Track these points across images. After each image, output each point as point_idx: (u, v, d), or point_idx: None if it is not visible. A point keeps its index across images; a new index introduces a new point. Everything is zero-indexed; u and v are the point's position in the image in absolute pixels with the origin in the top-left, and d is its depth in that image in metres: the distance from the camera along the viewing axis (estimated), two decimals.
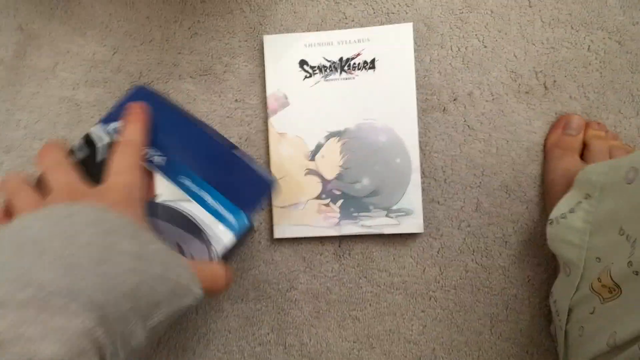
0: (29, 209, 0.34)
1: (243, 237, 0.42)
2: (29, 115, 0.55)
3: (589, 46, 0.52)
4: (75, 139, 0.53)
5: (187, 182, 0.41)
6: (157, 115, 0.43)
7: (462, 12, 0.53)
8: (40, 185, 0.37)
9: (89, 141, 0.43)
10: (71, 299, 0.25)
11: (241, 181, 0.42)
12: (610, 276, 0.37)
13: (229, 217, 0.41)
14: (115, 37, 0.54)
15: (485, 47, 0.52)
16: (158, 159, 0.41)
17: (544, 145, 0.52)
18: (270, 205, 0.53)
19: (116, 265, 0.28)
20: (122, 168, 0.37)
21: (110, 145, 0.41)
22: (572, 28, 0.52)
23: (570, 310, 0.44)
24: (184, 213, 0.40)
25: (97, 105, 0.54)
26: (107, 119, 0.43)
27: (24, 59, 0.55)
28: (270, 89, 0.53)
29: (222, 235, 0.40)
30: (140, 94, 0.44)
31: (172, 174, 0.41)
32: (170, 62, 0.54)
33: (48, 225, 0.29)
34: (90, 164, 0.41)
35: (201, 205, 0.40)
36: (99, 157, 0.41)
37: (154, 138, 0.42)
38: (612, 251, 0.39)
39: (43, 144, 0.40)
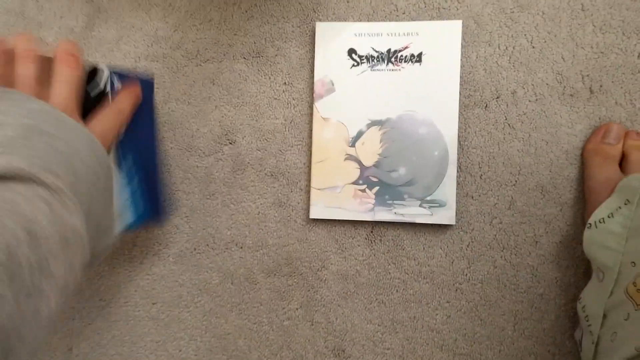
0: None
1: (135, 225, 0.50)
2: None
3: (639, 53, 0.53)
4: None
5: (129, 162, 0.49)
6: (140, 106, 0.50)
7: (513, 12, 0.55)
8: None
9: (92, 72, 0.47)
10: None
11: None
12: None
13: (140, 205, 0.50)
14: (177, 15, 0.60)
15: (534, 47, 0.55)
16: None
17: (582, 151, 0.54)
18: (308, 186, 0.58)
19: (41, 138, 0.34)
20: (100, 123, 0.44)
21: (103, 93, 0.47)
22: (623, 34, 0.53)
23: (603, 316, 0.45)
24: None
25: (155, 80, 0.60)
26: (115, 72, 0.48)
27: (92, 30, 0.61)
28: (318, 75, 0.57)
29: (123, 212, 0.48)
30: (147, 83, 0.51)
31: (122, 149, 0.48)
32: (225, 43, 0.59)
33: (11, 106, 0.35)
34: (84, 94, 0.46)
35: (127, 179, 0.49)
36: (92, 93, 0.47)
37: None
38: None
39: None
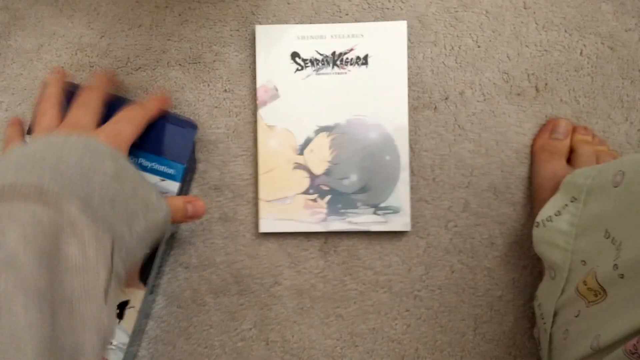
0: (42, 132, 0.43)
1: (185, 177, 0.51)
2: (11, 97, 0.56)
3: (582, 50, 0.54)
4: None
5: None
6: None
7: (457, 11, 0.55)
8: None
9: None
10: (59, 195, 0.32)
11: (169, 135, 0.50)
12: (596, 279, 0.39)
13: (167, 169, 0.49)
14: (104, 20, 0.56)
15: (479, 47, 0.55)
16: None
17: (531, 148, 0.54)
18: (256, 198, 0.55)
19: (97, 178, 0.36)
20: (122, 118, 0.46)
21: None
22: (565, 32, 0.54)
23: (555, 313, 0.45)
24: None
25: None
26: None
27: (8, 40, 0.56)
28: (260, 81, 0.55)
29: (168, 187, 0.49)
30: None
31: None
32: (159, 49, 0.56)
33: (47, 148, 0.36)
34: None
35: (140, 169, 0.48)
36: None
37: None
38: (597, 254, 0.41)
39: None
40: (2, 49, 0.56)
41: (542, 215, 0.48)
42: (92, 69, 0.55)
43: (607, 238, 0.40)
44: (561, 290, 0.45)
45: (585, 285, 0.40)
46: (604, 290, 0.38)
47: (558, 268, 0.46)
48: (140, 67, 0.56)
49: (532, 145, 0.54)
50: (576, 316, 0.42)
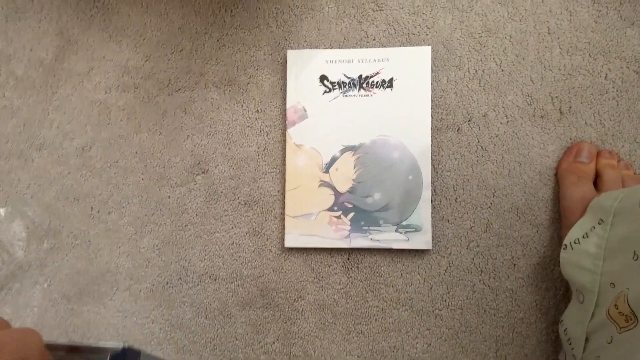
0: None
1: None
2: (62, 116, 0.63)
3: (606, 74, 0.56)
4: (103, 141, 0.61)
5: None
6: None
7: (481, 36, 0.58)
8: None
9: None
10: None
11: None
12: (628, 302, 0.39)
13: None
14: (149, 45, 0.62)
15: (502, 70, 0.58)
16: None
17: (556, 171, 0.56)
18: (283, 214, 0.59)
19: None
20: None
21: None
22: (589, 56, 0.57)
23: (586, 339, 0.45)
24: None
25: (126, 109, 0.62)
26: None
27: (62, 62, 0.63)
28: (290, 102, 0.59)
29: None
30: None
31: None
32: (197, 72, 0.62)
33: None
34: None
35: None
36: None
37: None
38: (626, 276, 0.41)
39: None
40: (56, 71, 0.63)
41: (569, 238, 0.50)
42: (136, 90, 0.62)
43: (635, 260, 0.40)
44: (591, 314, 0.45)
45: (617, 308, 0.41)
46: (635, 316, 0.38)
47: (587, 291, 0.46)
48: (180, 89, 0.61)
49: (557, 168, 0.56)
50: (609, 342, 0.42)
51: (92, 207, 0.61)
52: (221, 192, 0.60)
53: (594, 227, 0.47)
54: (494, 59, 0.58)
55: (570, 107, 0.56)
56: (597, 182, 0.54)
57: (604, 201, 0.48)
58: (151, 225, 0.61)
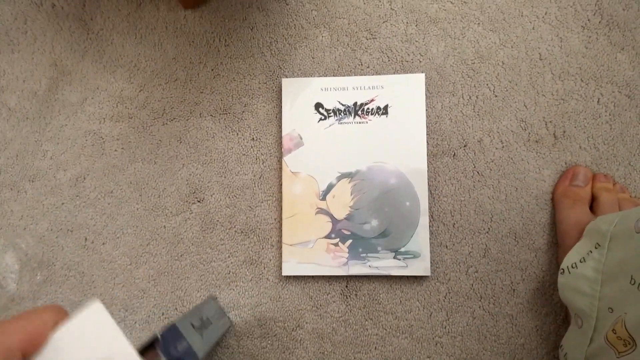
0: None
1: None
2: (56, 146, 0.63)
3: (599, 99, 0.58)
4: (97, 171, 0.62)
5: None
6: None
7: (474, 63, 0.60)
8: None
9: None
10: None
11: None
12: (625, 327, 0.39)
13: None
14: (143, 75, 0.63)
15: (496, 96, 0.59)
16: None
17: (552, 195, 0.57)
18: (280, 242, 0.59)
19: None
20: None
21: None
22: (582, 81, 0.58)
23: None
24: None
25: (120, 139, 0.62)
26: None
27: (56, 93, 0.64)
28: (285, 129, 0.60)
29: None
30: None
31: None
32: (192, 101, 0.62)
33: None
34: None
35: None
36: None
37: None
38: (624, 301, 0.41)
39: None
40: (50, 102, 0.63)
41: (566, 262, 0.50)
42: (130, 120, 0.62)
43: (633, 284, 0.40)
44: (589, 339, 0.45)
45: (615, 333, 0.41)
46: (634, 340, 0.38)
47: (585, 316, 0.46)
48: (175, 118, 0.62)
49: (553, 193, 0.57)
50: None
51: (86, 238, 0.62)
52: (217, 220, 0.60)
53: (590, 252, 0.48)
54: (487, 85, 0.59)
55: (564, 132, 0.58)
56: (593, 205, 0.55)
57: (600, 225, 0.48)
58: (146, 256, 0.61)
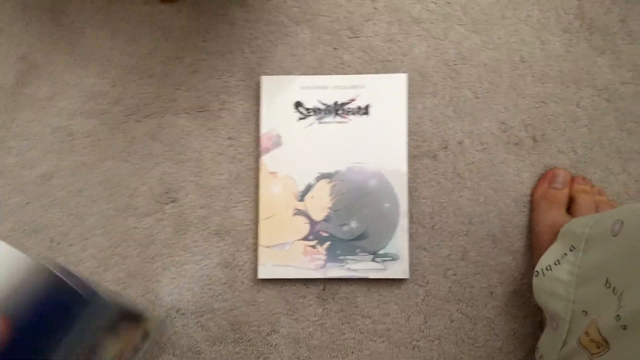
0: None
1: None
2: (22, 142, 0.60)
3: (578, 102, 0.58)
4: (66, 169, 0.59)
5: None
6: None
7: (456, 64, 0.59)
8: None
9: None
10: None
11: None
12: (599, 330, 0.39)
13: None
14: (116, 70, 0.61)
15: (477, 98, 0.59)
16: None
17: (531, 197, 0.57)
18: (256, 244, 0.58)
19: None
20: None
21: None
22: (562, 84, 0.58)
23: None
24: None
25: (90, 137, 0.60)
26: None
27: (24, 87, 0.61)
28: (264, 129, 0.59)
29: None
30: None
31: None
32: (167, 97, 0.61)
33: None
34: None
35: None
36: None
37: None
38: (598, 304, 0.41)
39: None
40: (17, 97, 0.61)
41: (541, 265, 0.50)
42: (102, 116, 0.60)
43: (607, 287, 0.40)
44: (563, 341, 0.45)
45: (588, 336, 0.41)
46: (607, 342, 0.38)
47: (559, 318, 0.46)
48: (149, 115, 0.60)
49: (532, 195, 0.57)
50: None
51: (51, 239, 0.59)
52: (191, 221, 0.59)
53: (565, 254, 0.48)
54: (468, 86, 0.59)
55: (543, 135, 0.58)
56: (571, 207, 0.55)
57: (574, 227, 0.48)
58: (116, 258, 0.59)
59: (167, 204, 0.59)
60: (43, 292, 0.36)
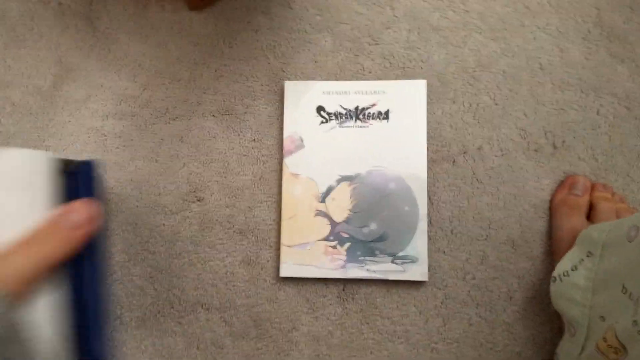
0: None
1: None
2: (58, 142, 0.63)
3: (598, 110, 0.58)
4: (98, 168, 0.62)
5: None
6: None
7: (475, 71, 0.60)
8: None
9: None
10: None
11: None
12: (616, 336, 0.39)
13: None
14: (147, 74, 0.64)
15: (496, 104, 0.60)
16: None
17: (550, 203, 0.57)
18: (278, 243, 0.60)
19: None
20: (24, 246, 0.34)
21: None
22: (581, 92, 0.59)
23: None
24: None
25: (122, 137, 0.63)
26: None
27: (60, 90, 0.64)
28: (287, 132, 0.61)
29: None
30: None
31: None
32: (194, 101, 0.63)
33: None
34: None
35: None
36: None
37: None
38: (615, 310, 0.42)
39: None
40: (53, 98, 0.64)
41: (558, 270, 0.50)
42: (133, 118, 0.63)
43: (624, 293, 0.40)
44: (581, 347, 0.46)
45: (606, 342, 0.41)
46: (624, 348, 0.38)
47: (577, 324, 0.47)
48: (177, 117, 0.63)
49: (551, 201, 0.57)
50: None
51: None
52: (216, 220, 0.61)
53: (582, 260, 0.48)
54: (487, 93, 0.60)
55: (563, 142, 0.58)
56: (591, 214, 0.55)
57: (591, 233, 0.48)
58: (144, 253, 0.61)
59: (193, 202, 0.61)
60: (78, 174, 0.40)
